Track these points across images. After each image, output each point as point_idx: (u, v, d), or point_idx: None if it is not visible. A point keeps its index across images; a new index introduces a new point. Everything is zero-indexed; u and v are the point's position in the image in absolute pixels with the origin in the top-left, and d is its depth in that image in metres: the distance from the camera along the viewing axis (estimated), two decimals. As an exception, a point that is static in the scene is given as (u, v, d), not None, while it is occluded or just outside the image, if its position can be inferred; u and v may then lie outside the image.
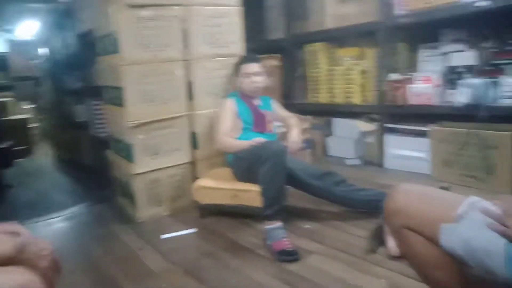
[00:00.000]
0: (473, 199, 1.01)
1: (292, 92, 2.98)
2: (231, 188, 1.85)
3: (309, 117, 2.60)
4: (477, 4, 1.87)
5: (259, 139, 1.82)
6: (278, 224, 1.60)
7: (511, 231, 0.90)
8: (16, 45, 5.94)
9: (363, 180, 2.25)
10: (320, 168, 1.84)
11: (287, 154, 1.73)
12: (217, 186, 1.89)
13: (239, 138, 1.94)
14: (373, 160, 2.51)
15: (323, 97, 2.74)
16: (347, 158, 2.63)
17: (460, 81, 2.03)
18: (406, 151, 2.30)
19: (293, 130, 2.00)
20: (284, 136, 2.08)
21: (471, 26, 2.15)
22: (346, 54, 2.64)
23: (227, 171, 1.97)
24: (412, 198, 1.08)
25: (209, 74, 2.13)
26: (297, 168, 1.77)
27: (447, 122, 2.13)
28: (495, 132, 1.87)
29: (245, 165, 1.81)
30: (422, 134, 2.21)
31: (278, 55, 2.52)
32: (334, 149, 2.76)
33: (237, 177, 1.90)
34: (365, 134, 2.52)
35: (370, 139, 2.51)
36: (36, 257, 0.78)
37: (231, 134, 1.96)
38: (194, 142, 2.13)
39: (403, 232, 1.08)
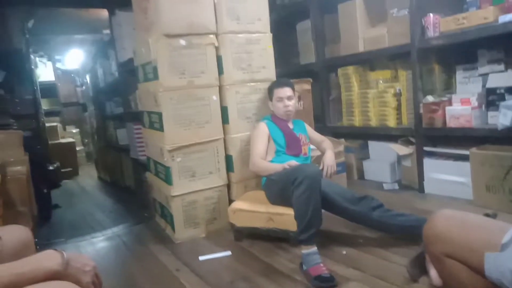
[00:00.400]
0: None
1: (325, 115, 2.99)
2: (266, 211, 1.86)
3: (342, 140, 2.59)
4: (517, 24, 1.82)
5: (293, 162, 1.83)
6: (313, 248, 1.59)
7: None
8: (63, 73, 6.38)
9: (401, 205, 2.19)
10: (356, 192, 1.81)
11: (322, 177, 1.73)
12: (252, 209, 1.91)
13: (273, 161, 1.96)
14: (411, 184, 2.45)
15: (357, 120, 2.73)
16: (383, 182, 2.58)
17: (501, 103, 1.96)
18: (446, 175, 2.23)
19: (328, 153, 2.00)
20: (318, 159, 2.08)
21: (509, 45, 2.10)
22: (379, 77, 2.64)
23: (262, 194, 1.99)
24: (453, 224, 1.05)
25: (243, 98, 2.19)
26: (332, 192, 1.76)
27: (489, 145, 2.05)
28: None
29: (278, 188, 1.82)
30: (462, 157, 2.14)
31: (310, 79, 2.56)
32: (370, 173, 2.72)
33: (271, 200, 1.91)
34: (402, 157, 2.47)
35: (407, 163, 2.45)
36: (79, 273, 0.84)
37: (265, 157, 1.99)
38: (229, 165, 2.18)
39: (445, 260, 1.04)
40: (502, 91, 2.03)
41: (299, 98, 2.48)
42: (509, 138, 1.93)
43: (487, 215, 1.79)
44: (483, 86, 2.13)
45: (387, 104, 2.52)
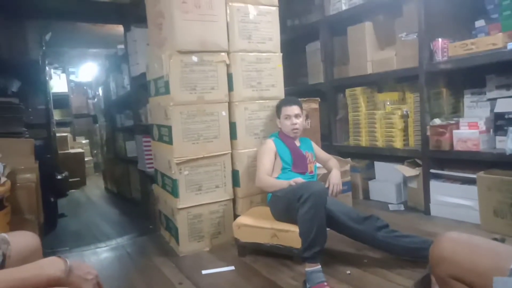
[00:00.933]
0: None
1: (331, 134, 3.01)
2: (271, 227, 1.86)
3: (349, 160, 2.59)
4: (524, 51, 1.85)
5: (298, 179, 1.85)
6: (317, 267, 1.58)
7: None
8: (76, 85, 6.52)
9: (407, 227, 2.18)
10: (361, 212, 1.81)
11: (327, 196, 1.73)
12: (257, 224, 1.91)
13: (279, 178, 1.97)
14: (417, 206, 2.43)
15: (363, 140, 2.75)
16: (389, 203, 2.57)
17: (509, 128, 1.97)
18: (453, 198, 2.22)
19: (334, 171, 2.01)
20: (324, 177, 2.09)
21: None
22: (387, 99, 2.66)
23: (267, 210, 1.99)
24: (459, 247, 1.04)
25: (251, 115, 2.22)
26: (338, 210, 1.76)
27: (497, 169, 2.05)
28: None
29: (283, 205, 1.83)
30: (469, 181, 2.13)
31: (318, 99, 2.59)
32: (376, 193, 2.71)
33: (276, 216, 1.91)
34: (408, 179, 2.47)
35: (414, 185, 2.45)
36: (81, 281, 0.85)
37: (271, 174, 2.00)
38: (235, 180, 2.19)
39: (451, 283, 1.03)
40: (511, 116, 2.03)
41: (307, 117, 2.51)
42: (516, 163, 1.93)
43: (495, 239, 1.78)
44: (491, 110, 2.15)
45: (394, 126, 2.53)
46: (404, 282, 1.54)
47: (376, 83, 2.81)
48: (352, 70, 2.83)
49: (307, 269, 1.58)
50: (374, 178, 2.78)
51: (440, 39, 2.26)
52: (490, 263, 0.96)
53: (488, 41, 2.04)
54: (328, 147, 2.81)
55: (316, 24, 3.05)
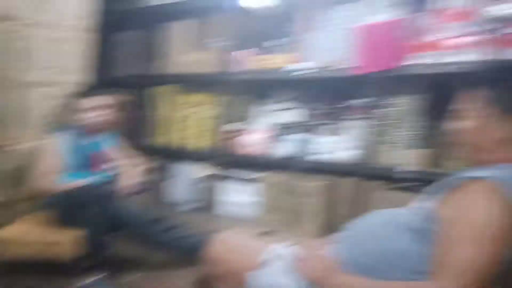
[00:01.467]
0: (276, 245, 1.13)
1: (135, 131, 2.87)
2: (40, 239, 1.58)
3: (148, 158, 2.52)
4: (299, 73, 2.21)
5: (83, 181, 1.65)
6: (99, 276, 1.44)
7: (310, 272, 1.02)
8: None
9: (197, 226, 2.26)
10: (153, 214, 1.77)
11: (116, 198, 1.62)
12: (23, 237, 1.59)
13: (64, 179, 1.72)
14: (208, 206, 2.57)
15: (169, 139, 2.73)
16: (183, 203, 2.62)
17: (285, 136, 2.31)
18: (238, 197, 2.44)
19: (130, 171, 1.90)
20: (119, 177, 1.95)
21: (297, 89, 2.51)
22: (192, 100, 2.72)
23: (38, 218, 1.69)
24: (227, 247, 1.15)
25: (39, 103, 1.86)
26: (126, 214, 1.67)
27: (273, 171, 2.37)
28: (309, 182, 2.17)
29: (63, 210, 1.62)
30: (251, 181, 2.40)
31: (127, 93, 2.44)
32: (170, 194, 2.72)
33: (55, 223, 1.66)
34: (201, 179, 2.58)
35: (206, 185, 2.58)
36: None
37: (53, 174, 1.73)
38: None
39: (222, 280, 1.11)
40: (287, 126, 2.39)
41: (113, 112, 2.29)
42: (287, 166, 2.27)
43: (264, 232, 2.04)
44: (274, 120, 2.47)
45: (192, 127, 2.61)
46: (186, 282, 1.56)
47: (184, 83, 2.83)
48: (162, 68, 2.78)
49: (87, 280, 1.42)
50: (171, 178, 2.78)
51: (241, 51, 2.46)
52: (248, 259, 1.09)
53: (276, 60, 2.34)
54: (134, 144, 2.66)
55: (131, 13, 2.86)
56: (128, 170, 1.89)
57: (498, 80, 1.00)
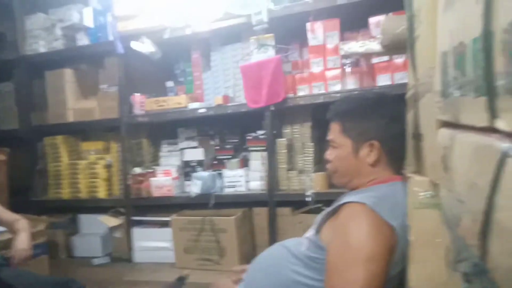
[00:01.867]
0: None
1: (28, 188, 2.64)
2: None
3: (45, 218, 2.33)
4: (200, 111, 2.25)
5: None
6: None
7: None
8: None
9: (111, 279, 2.14)
10: (56, 277, 1.63)
11: (8, 266, 1.46)
12: None
13: None
14: (122, 256, 2.43)
15: (66, 193, 2.55)
16: (94, 257, 2.45)
17: (193, 174, 2.31)
18: (153, 242, 2.36)
19: (21, 235, 1.73)
20: (9, 243, 1.77)
21: (200, 126, 2.55)
22: (91, 148, 2.61)
23: None
24: None
25: None
26: (21, 283, 1.51)
27: (186, 211, 2.35)
28: (222, 217, 2.18)
29: None
30: (165, 224, 2.34)
31: (7, 148, 2.24)
32: (80, 249, 2.53)
33: None
34: (112, 229, 2.45)
35: (118, 234, 2.45)
36: None
37: None
38: None
39: None
40: (195, 163, 2.40)
41: None
42: (200, 204, 2.27)
43: (181, 277, 1.99)
44: (181, 159, 2.46)
45: (97, 176, 2.49)
46: None
47: (80, 132, 2.70)
48: (52, 117, 2.61)
49: None
50: (78, 233, 2.60)
51: (138, 94, 2.43)
52: None
53: (175, 100, 2.36)
54: (23, 203, 2.44)
55: (10, 62, 2.67)
56: (18, 234, 1.72)
57: (354, 113, 1.13)
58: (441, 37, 0.65)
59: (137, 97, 2.43)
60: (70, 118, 2.55)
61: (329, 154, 1.17)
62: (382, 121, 1.08)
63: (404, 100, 1.15)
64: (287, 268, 1.04)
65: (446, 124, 0.65)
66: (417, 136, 0.94)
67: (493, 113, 0.42)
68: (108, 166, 2.52)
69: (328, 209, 1.07)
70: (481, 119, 0.45)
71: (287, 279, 1.03)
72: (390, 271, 0.95)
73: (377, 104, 1.12)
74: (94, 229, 2.50)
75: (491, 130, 0.44)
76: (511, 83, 0.37)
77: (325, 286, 0.94)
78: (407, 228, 0.93)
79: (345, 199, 1.06)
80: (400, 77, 1.92)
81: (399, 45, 1.44)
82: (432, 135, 0.76)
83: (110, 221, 2.42)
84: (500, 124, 0.40)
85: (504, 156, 0.39)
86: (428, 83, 0.79)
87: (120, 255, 2.44)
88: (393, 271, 0.96)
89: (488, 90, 0.43)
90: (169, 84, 2.58)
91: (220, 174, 2.32)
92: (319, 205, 2.05)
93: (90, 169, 2.51)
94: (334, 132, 1.14)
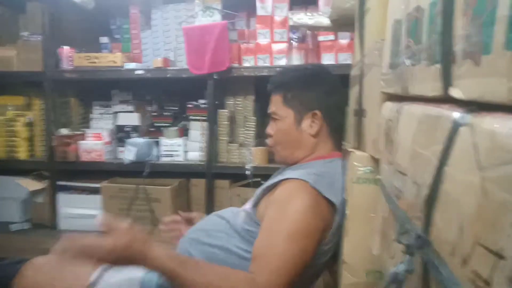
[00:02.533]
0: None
1: None
2: None
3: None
4: (137, 72, 2.09)
5: None
6: None
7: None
8: None
9: (32, 247, 1.97)
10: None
11: None
12: None
13: None
14: (44, 222, 2.25)
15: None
16: (12, 223, 2.23)
17: (127, 140, 2.17)
18: (80, 209, 2.20)
19: None
20: None
21: (136, 90, 2.39)
22: (8, 103, 2.32)
23: None
24: (43, 274, 0.98)
25: None
26: None
27: (118, 178, 2.21)
28: (157, 187, 2.09)
29: None
30: (95, 191, 2.19)
31: None
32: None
33: None
34: (33, 193, 2.24)
35: (40, 199, 2.26)
36: None
37: None
38: None
39: None
40: (129, 129, 2.25)
41: None
42: (133, 172, 2.15)
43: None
44: (114, 123, 2.30)
45: (17, 134, 2.24)
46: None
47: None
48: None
49: None
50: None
51: (66, 47, 2.19)
52: (72, 284, 0.96)
53: (109, 58, 2.17)
54: None
55: None
56: None
57: (296, 83, 1.10)
58: (394, 4, 0.63)
59: (65, 50, 2.19)
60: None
61: (271, 128, 1.14)
62: (323, 91, 1.07)
63: (342, 75, 1.16)
64: (224, 240, 1.01)
65: (392, 97, 0.64)
66: (360, 112, 0.94)
67: (447, 81, 0.40)
68: (29, 124, 2.28)
69: (267, 183, 1.04)
70: (433, 89, 0.43)
71: (224, 250, 1.00)
72: (324, 246, 0.96)
73: (317, 75, 1.11)
74: (12, 192, 2.26)
75: (441, 100, 0.43)
76: (472, 45, 0.34)
77: (253, 252, 0.92)
78: (344, 204, 0.94)
79: (286, 175, 1.03)
80: (344, 58, 1.94)
81: (347, 22, 1.44)
82: (375, 110, 0.76)
83: (31, 184, 2.21)
84: (454, 92, 0.38)
85: (456, 126, 0.37)
86: (375, 56, 0.78)
87: (42, 221, 2.26)
88: (326, 246, 0.97)
89: (444, 56, 0.41)
90: (104, 40, 2.37)
91: (156, 142, 2.21)
92: (258, 179, 2.05)
93: (8, 127, 2.24)
94: (276, 104, 1.11)
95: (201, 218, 1.23)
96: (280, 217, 0.92)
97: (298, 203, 0.92)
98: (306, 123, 1.07)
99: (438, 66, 0.42)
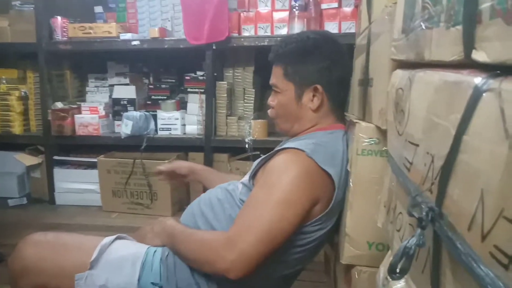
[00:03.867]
0: (107, 239, 1.01)
1: None
2: None
3: None
4: (133, 43, 2.03)
5: None
6: None
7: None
8: None
9: (30, 222, 1.97)
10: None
11: None
12: None
13: None
14: (42, 197, 2.24)
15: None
16: (9, 198, 2.23)
17: (124, 113, 2.13)
18: (77, 184, 2.19)
19: None
20: None
21: (133, 61, 2.33)
22: (2, 76, 2.26)
23: None
24: (44, 250, 0.95)
25: None
26: None
27: (115, 152, 2.19)
28: (155, 161, 2.06)
29: None
30: (91, 165, 2.16)
31: None
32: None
33: None
34: (30, 168, 2.22)
35: (37, 174, 2.24)
36: None
37: None
38: None
39: None
40: (125, 102, 2.21)
41: None
42: (131, 146, 2.12)
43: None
44: (110, 96, 2.25)
45: (11, 108, 2.19)
46: None
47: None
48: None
49: None
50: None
51: (59, 17, 2.11)
52: (74, 261, 0.94)
53: (104, 28, 2.09)
54: None
55: None
56: None
57: (297, 56, 1.06)
58: (408, -35, 0.58)
59: (58, 21, 2.11)
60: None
61: (272, 100, 1.10)
62: (325, 64, 1.02)
63: (347, 44, 1.11)
64: (226, 213, 1.00)
65: (403, 65, 0.61)
66: (366, 82, 0.91)
67: (469, 44, 0.37)
68: (23, 98, 2.23)
69: (265, 155, 1.02)
70: (453, 53, 0.40)
71: (225, 223, 0.98)
72: (328, 223, 0.94)
73: (319, 47, 1.05)
74: (9, 167, 2.24)
75: (461, 65, 0.40)
76: (501, 2, 0.31)
77: (236, 217, 0.91)
78: (346, 176, 0.92)
79: (284, 145, 1.01)
80: (348, 27, 1.88)
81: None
82: (383, 79, 0.73)
83: (28, 159, 2.18)
84: (478, 55, 0.35)
85: (478, 92, 0.34)
86: (385, 22, 0.74)
87: (40, 196, 2.25)
88: (330, 223, 0.95)
89: (467, 16, 0.37)
90: (98, 9, 2.29)
91: (154, 116, 2.17)
92: (257, 152, 2.03)
93: (1, 100, 2.19)
94: (276, 76, 1.07)
95: (189, 170, 1.34)
96: (267, 183, 0.89)
97: (289, 172, 0.89)
98: (307, 97, 1.03)
99: (459, 28, 0.39)
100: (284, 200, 0.85)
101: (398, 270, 0.39)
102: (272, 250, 0.83)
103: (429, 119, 0.43)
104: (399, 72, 0.60)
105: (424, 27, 0.48)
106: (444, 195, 0.37)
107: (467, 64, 0.38)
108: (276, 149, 1.02)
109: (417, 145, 0.47)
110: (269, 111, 1.14)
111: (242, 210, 0.91)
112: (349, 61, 1.13)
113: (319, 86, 1.02)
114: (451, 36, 0.40)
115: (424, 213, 0.38)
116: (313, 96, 1.03)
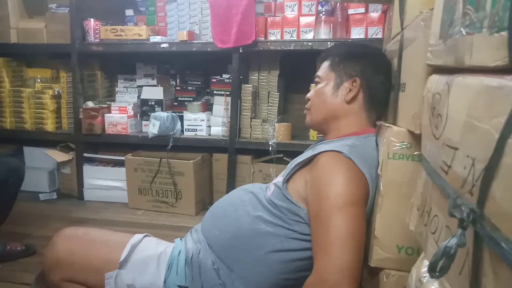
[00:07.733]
0: (136, 238, 1.04)
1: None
2: None
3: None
4: (162, 46, 2.08)
5: None
6: None
7: None
8: None
9: (59, 216, 2.04)
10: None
11: None
12: None
13: None
14: (71, 193, 2.33)
15: (8, 122, 2.33)
16: (41, 192, 2.31)
17: (151, 114, 2.18)
18: (105, 181, 2.26)
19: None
20: None
21: (160, 63, 2.39)
22: (36, 75, 2.36)
23: None
24: (75, 245, 0.97)
25: None
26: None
27: (142, 151, 2.24)
28: (180, 160, 2.11)
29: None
30: (119, 163, 2.23)
31: None
32: (26, 183, 2.36)
33: None
34: (61, 164, 2.31)
35: (67, 170, 2.32)
36: None
37: None
38: None
39: (62, 286, 0.97)
40: (153, 103, 2.27)
41: None
42: (157, 145, 2.18)
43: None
44: (139, 97, 2.32)
45: (45, 107, 2.29)
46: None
47: (24, 56, 2.43)
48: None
49: None
50: (27, 164, 2.42)
51: (92, 20, 2.19)
52: (103, 258, 0.97)
53: (134, 31, 2.16)
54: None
55: None
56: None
57: (347, 53, 1.09)
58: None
59: (91, 23, 2.19)
60: (14, 39, 2.26)
61: (310, 93, 1.13)
62: (369, 66, 1.05)
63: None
64: (250, 214, 1.00)
65: (439, 70, 0.61)
66: (397, 86, 0.91)
67: (514, 50, 0.38)
68: (56, 97, 2.32)
69: (301, 159, 1.02)
70: (496, 58, 0.41)
71: (248, 224, 0.99)
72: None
73: (370, 53, 1.11)
74: (41, 163, 2.34)
75: (503, 71, 0.40)
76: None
77: (312, 240, 0.89)
78: (376, 179, 0.92)
79: (319, 149, 1.00)
80: (374, 32, 1.88)
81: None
82: (417, 84, 0.73)
83: (59, 156, 2.27)
84: (524, 60, 0.36)
85: (524, 96, 0.35)
86: (420, 28, 0.74)
87: (69, 191, 2.33)
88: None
89: (512, 22, 0.38)
90: (129, 12, 2.36)
91: (180, 117, 2.22)
92: (280, 155, 2.05)
93: (36, 99, 2.29)
94: (322, 69, 1.12)
95: None
96: (324, 194, 0.88)
97: (336, 175, 0.89)
98: (344, 88, 1.05)
99: (503, 34, 0.40)
100: (347, 202, 0.84)
101: (438, 269, 0.40)
102: (363, 251, 0.83)
103: (469, 123, 0.44)
104: (435, 77, 0.61)
105: (464, 33, 0.49)
106: (486, 197, 0.38)
107: (510, 69, 0.39)
108: (312, 154, 0.99)
109: (456, 149, 0.47)
110: (306, 105, 1.15)
111: (314, 234, 0.88)
112: (392, 73, 1.12)
113: (358, 79, 1.04)
114: (495, 42, 0.41)
115: (465, 214, 0.39)
116: (350, 89, 1.05)
